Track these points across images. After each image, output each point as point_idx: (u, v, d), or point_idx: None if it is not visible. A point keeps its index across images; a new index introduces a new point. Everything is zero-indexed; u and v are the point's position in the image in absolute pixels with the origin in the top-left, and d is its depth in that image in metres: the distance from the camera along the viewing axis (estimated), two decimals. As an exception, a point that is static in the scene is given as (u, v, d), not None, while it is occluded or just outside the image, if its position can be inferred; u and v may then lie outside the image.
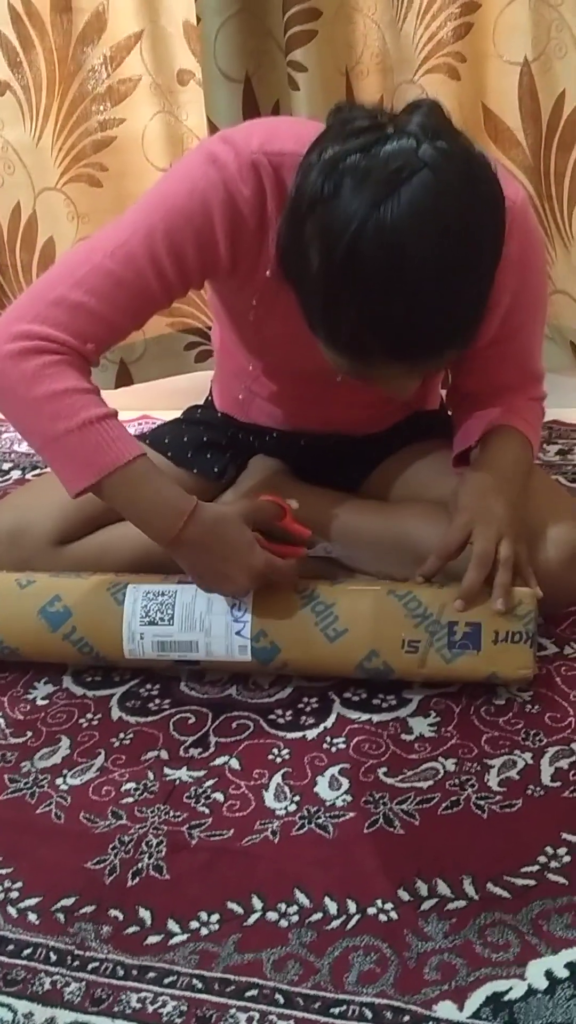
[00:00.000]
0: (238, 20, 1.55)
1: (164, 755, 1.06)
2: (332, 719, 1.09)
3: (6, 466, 1.82)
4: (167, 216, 0.99)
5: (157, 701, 1.15)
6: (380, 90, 1.66)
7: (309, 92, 1.56)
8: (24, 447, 1.88)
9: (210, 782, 1.02)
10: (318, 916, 0.86)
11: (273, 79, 1.61)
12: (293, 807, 0.98)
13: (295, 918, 0.86)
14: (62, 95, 1.76)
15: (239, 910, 0.88)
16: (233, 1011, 0.79)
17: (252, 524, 1.07)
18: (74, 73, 1.74)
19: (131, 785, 1.02)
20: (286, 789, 1.00)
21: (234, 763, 1.04)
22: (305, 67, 1.54)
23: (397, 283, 0.83)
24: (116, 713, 1.13)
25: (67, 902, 0.90)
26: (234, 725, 1.10)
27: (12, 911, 0.90)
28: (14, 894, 0.91)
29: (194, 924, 0.87)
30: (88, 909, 0.89)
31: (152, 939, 0.86)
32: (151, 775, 1.04)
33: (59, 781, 1.04)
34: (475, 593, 1.04)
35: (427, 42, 1.61)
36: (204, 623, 1.10)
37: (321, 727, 1.08)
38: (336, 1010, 0.78)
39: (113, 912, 0.88)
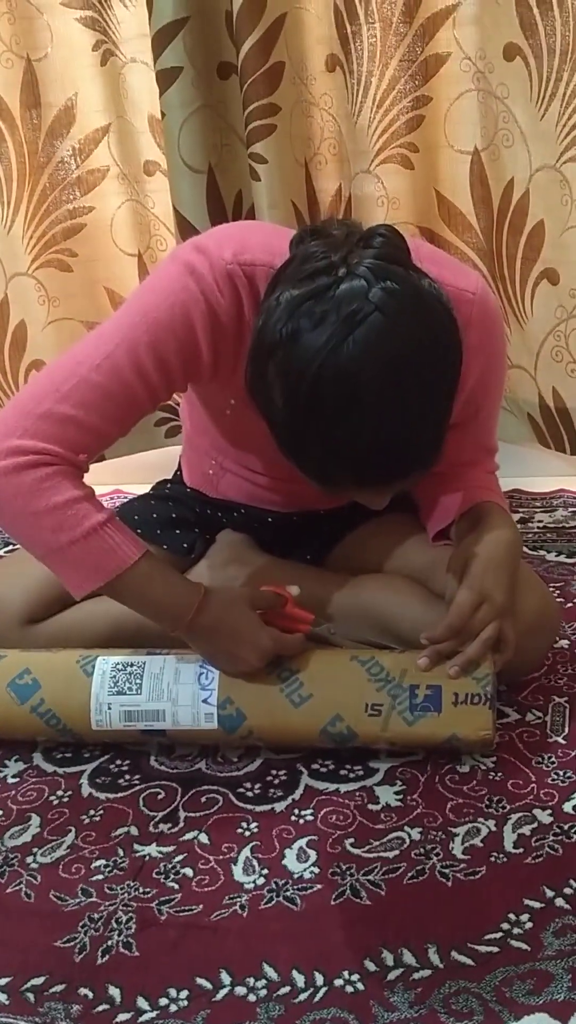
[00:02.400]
0: (201, 115, 1.63)
1: (134, 831, 1.07)
2: (300, 791, 1.11)
3: (-22, 544, 1.84)
4: (150, 329, 1.01)
5: (127, 776, 1.16)
6: (338, 179, 1.73)
7: (269, 182, 1.63)
8: (-4, 525, 1.90)
9: (179, 857, 1.03)
10: (286, 989, 0.87)
11: (235, 170, 1.68)
12: (261, 880, 0.99)
13: (263, 992, 0.87)
14: (32, 185, 1.82)
15: (208, 985, 0.88)
16: None
17: (255, 608, 1.11)
18: (44, 164, 1.81)
19: (101, 862, 1.03)
20: (255, 862, 1.02)
21: (203, 838, 1.06)
22: (265, 159, 1.61)
23: (356, 420, 0.88)
24: (86, 790, 1.14)
25: (37, 981, 0.90)
26: (203, 799, 1.11)
27: (-18, 993, 0.90)
28: (-16, 975, 0.92)
29: (163, 1001, 0.87)
30: (58, 988, 0.89)
31: (121, 1017, 0.86)
32: (121, 852, 1.05)
33: (29, 860, 1.05)
34: (442, 655, 1.07)
35: (381, 134, 1.69)
36: (171, 692, 1.12)
37: (289, 799, 1.10)
38: None
39: (83, 991, 0.89)
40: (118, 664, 1.15)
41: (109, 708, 1.13)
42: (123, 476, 1.96)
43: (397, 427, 0.89)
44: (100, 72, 1.74)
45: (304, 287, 0.89)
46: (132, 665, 1.15)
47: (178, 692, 1.12)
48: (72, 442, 1.01)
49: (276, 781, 1.13)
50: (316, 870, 1.00)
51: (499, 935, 0.90)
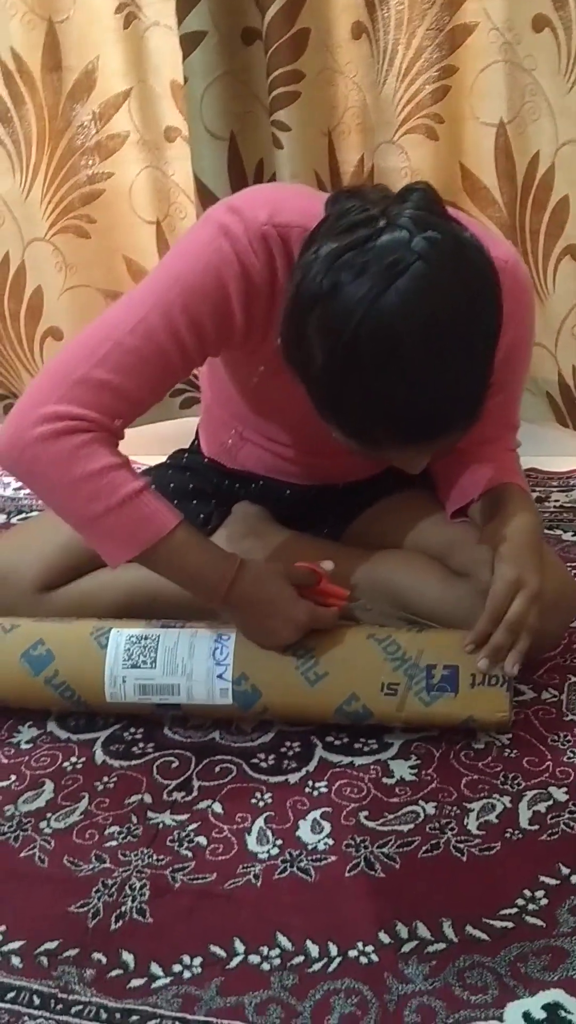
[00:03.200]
0: (224, 82, 1.60)
1: (148, 799, 1.07)
2: (314, 763, 1.11)
3: (-9, 511, 1.84)
4: (184, 291, 0.99)
5: (141, 745, 1.16)
6: (361, 150, 1.71)
7: (292, 151, 1.60)
8: (8, 492, 1.89)
9: (193, 826, 1.03)
10: (299, 959, 0.87)
11: (257, 138, 1.66)
12: (275, 851, 0.99)
13: (277, 962, 0.87)
14: (51, 150, 1.80)
15: (221, 954, 0.88)
16: (215, 1055, 0.80)
17: (291, 582, 1.10)
18: (63, 129, 1.79)
19: (114, 829, 1.03)
20: (268, 833, 1.02)
21: (217, 807, 1.05)
22: (288, 127, 1.59)
23: (397, 373, 0.86)
24: (100, 757, 1.14)
25: (50, 946, 0.90)
26: (217, 769, 1.11)
27: (-5, 955, 0.90)
28: (-3, 938, 0.92)
29: (177, 968, 0.87)
30: (71, 953, 0.90)
31: (135, 982, 0.86)
32: (134, 819, 1.05)
33: (43, 825, 1.05)
34: (499, 651, 1.04)
35: (406, 104, 1.66)
36: (186, 667, 1.12)
37: (303, 771, 1.09)
38: (317, 1053, 0.79)
39: (96, 956, 0.89)
40: (132, 637, 1.14)
41: (124, 681, 1.13)
42: (136, 448, 1.93)
43: (440, 377, 0.87)
44: (122, 35, 1.72)
45: (343, 239, 0.87)
46: (146, 638, 1.14)
47: (193, 667, 1.12)
48: (108, 407, 0.99)
49: (290, 753, 1.12)
50: (330, 842, 1.00)
51: (514, 911, 0.90)
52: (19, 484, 1.92)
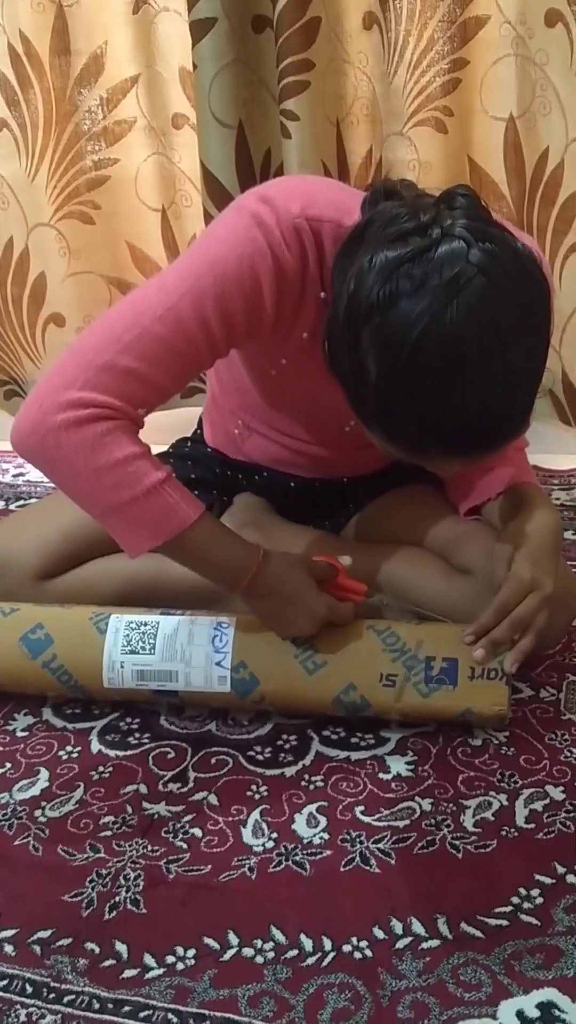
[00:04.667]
0: (233, 69, 1.60)
1: (143, 789, 1.07)
2: (311, 757, 1.10)
3: (-10, 496, 1.83)
4: (217, 281, 0.97)
5: (137, 735, 1.15)
6: (369, 141, 1.70)
7: (300, 140, 1.60)
8: (8, 478, 1.89)
9: (188, 817, 1.03)
10: (293, 953, 0.87)
11: (265, 127, 1.65)
12: (270, 844, 0.99)
13: (271, 955, 0.87)
14: (58, 134, 1.79)
15: (215, 946, 0.88)
16: (207, 1047, 0.79)
17: (312, 575, 1.10)
18: (70, 113, 1.78)
19: (109, 819, 1.03)
20: (264, 826, 1.01)
21: (212, 799, 1.05)
22: (297, 116, 1.58)
23: (458, 388, 0.85)
24: (96, 746, 1.14)
25: (43, 934, 0.90)
26: (213, 761, 1.11)
27: (-12, 943, 0.90)
28: (-10, 926, 0.92)
29: (170, 959, 0.87)
30: (64, 942, 0.89)
31: (128, 973, 0.86)
32: (129, 809, 1.04)
33: (37, 813, 1.04)
34: (498, 645, 1.04)
35: (416, 96, 1.66)
36: (185, 653, 1.12)
37: (299, 764, 1.09)
38: (310, 1047, 0.79)
39: (89, 945, 0.89)
40: (131, 623, 1.14)
41: (122, 667, 1.13)
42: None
43: (501, 391, 0.86)
44: (132, 20, 1.71)
45: (398, 249, 0.85)
46: (146, 624, 1.14)
47: (191, 653, 1.12)
48: (132, 396, 0.97)
49: (287, 746, 1.12)
50: (326, 836, 0.99)
51: (509, 909, 0.90)
52: (18, 471, 1.91)
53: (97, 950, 0.88)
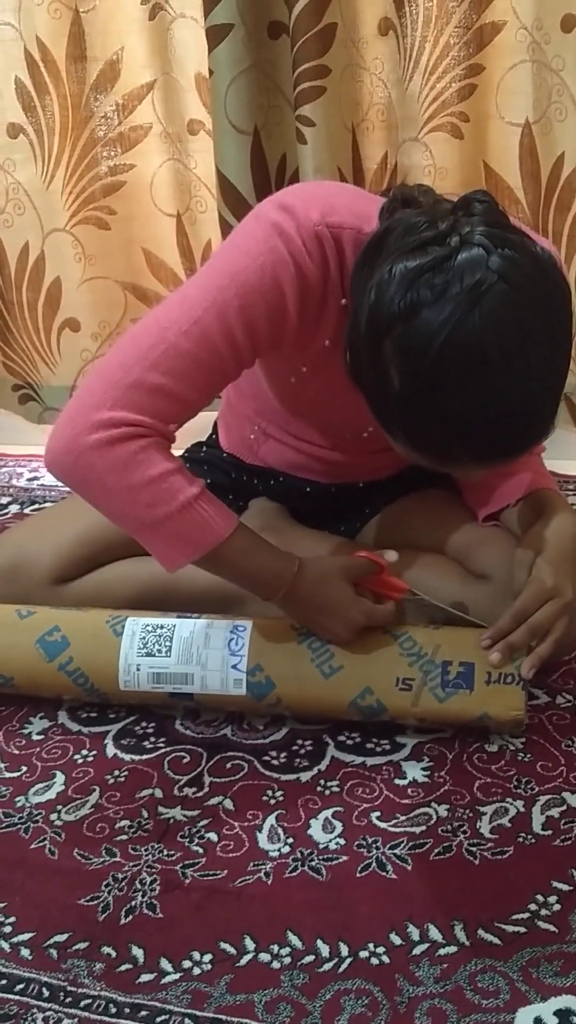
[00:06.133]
0: (249, 75, 1.60)
1: (158, 793, 1.07)
2: (326, 762, 1.10)
3: (4, 500, 1.84)
4: (240, 293, 0.97)
5: (152, 739, 1.15)
6: (385, 146, 1.70)
7: (316, 146, 1.60)
8: (23, 482, 1.89)
9: (204, 822, 1.03)
10: (310, 958, 0.87)
11: (281, 133, 1.65)
12: (286, 849, 0.99)
13: (287, 960, 0.87)
14: (74, 140, 1.80)
15: (231, 950, 0.88)
16: (224, 1052, 0.79)
17: (350, 580, 1.10)
18: (86, 119, 1.78)
19: (125, 822, 1.03)
20: (279, 831, 1.01)
21: (228, 804, 1.05)
22: (313, 122, 1.58)
23: (483, 397, 0.85)
24: (111, 750, 1.14)
25: (60, 938, 0.90)
26: (228, 765, 1.11)
27: (5, 946, 0.90)
28: (7, 929, 0.91)
29: (186, 963, 0.87)
30: (81, 946, 0.89)
31: (145, 977, 0.86)
32: (145, 813, 1.04)
33: (53, 817, 1.04)
34: (515, 650, 1.05)
35: (432, 101, 1.65)
36: (201, 656, 1.12)
37: (315, 770, 1.09)
38: (327, 1053, 0.79)
39: (106, 949, 0.89)
40: (148, 626, 1.14)
41: (138, 669, 1.13)
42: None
43: (523, 400, 0.86)
44: (148, 26, 1.71)
45: (417, 258, 0.85)
46: (162, 627, 1.14)
47: (207, 656, 1.12)
48: (162, 412, 0.98)
49: (302, 751, 1.12)
50: (342, 841, 0.99)
51: (526, 916, 0.89)
52: (32, 474, 1.92)
53: (113, 954, 0.88)
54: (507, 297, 0.83)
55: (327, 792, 1.06)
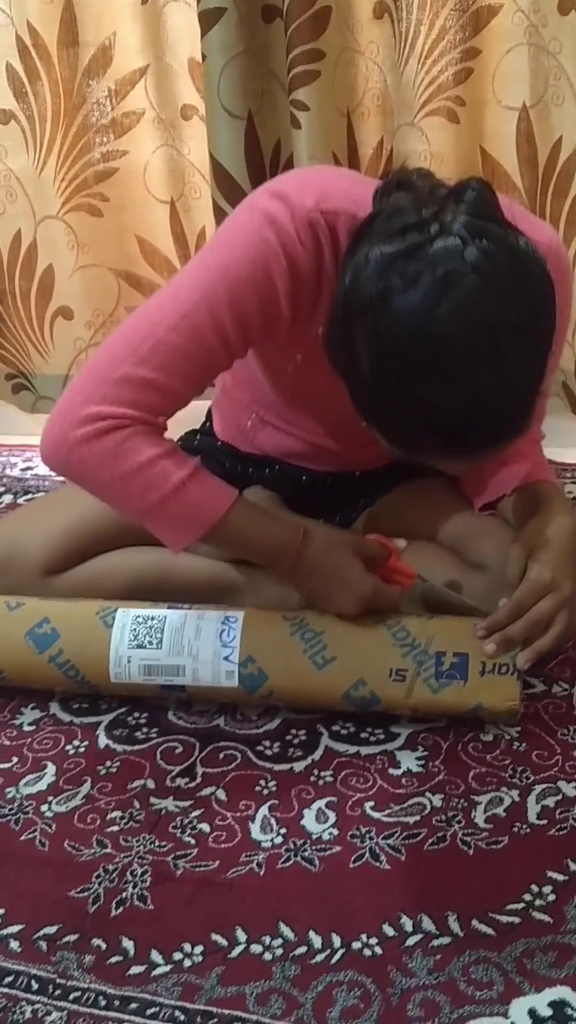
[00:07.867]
0: (242, 60, 1.58)
1: (150, 784, 1.06)
2: (320, 752, 1.09)
3: (-2, 490, 1.83)
4: (230, 286, 0.96)
5: (144, 730, 1.14)
6: (380, 131, 1.68)
7: (310, 131, 1.58)
8: (16, 472, 1.88)
9: (196, 813, 1.02)
10: (302, 950, 0.86)
11: (275, 118, 1.63)
12: (279, 840, 0.98)
13: (279, 952, 0.86)
14: (66, 126, 1.78)
15: (223, 942, 0.87)
16: (215, 1045, 0.78)
17: (359, 556, 1.09)
18: (79, 105, 1.76)
19: (116, 814, 1.02)
20: (272, 821, 1.00)
21: (220, 794, 1.04)
22: (307, 106, 1.56)
23: (449, 388, 0.83)
24: (103, 741, 1.13)
25: (49, 930, 0.89)
26: (221, 756, 1.10)
27: (-6, 939, 0.89)
28: (-4, 921, 0.91)
29: (177, 956, 0.86)
30: (71, 938, 0.88)
31: (135, 970, 0.85)
32: (137, 804, 1.03)
33: (44, 808, 1.03)
34: (511, 643, 1.03)
35: (427, 86, 1.64)
36: (192, 648, 1.11)
37: (309, 759, 1.08)
38: (318, 1046, 0.78)
39: (96, 942, 0.88)
40: (138, 617, 1.13)
41: (128, 661, 1.12)
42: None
43: (489, 394, 0.84)
44: (140, 11, 1.69)
45: (395, 244, 0.84)
46: (153, 619, 1.13)
47: (199, 648, 1.11)
48: (151, 406, 0.98)
49: (296, 741, 1.11)
50: (335, 832, 0.98)
51: (521, 906, 0.89)
52: (26, 464, 1.91)
53: (104, 946, 0.87)
54: (477, 290, 0.81)
55: (320, 782, 1.05)
